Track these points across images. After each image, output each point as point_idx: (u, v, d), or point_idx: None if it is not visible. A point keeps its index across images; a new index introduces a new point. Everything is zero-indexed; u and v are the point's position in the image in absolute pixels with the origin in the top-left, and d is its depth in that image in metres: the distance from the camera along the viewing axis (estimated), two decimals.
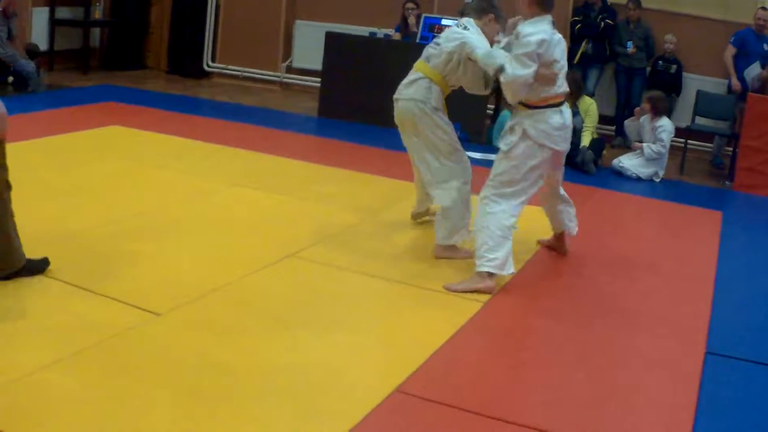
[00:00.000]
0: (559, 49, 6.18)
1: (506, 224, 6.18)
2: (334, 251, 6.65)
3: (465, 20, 6.63)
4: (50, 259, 5.49)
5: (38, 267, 5.42)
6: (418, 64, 6.78)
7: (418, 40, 12.50)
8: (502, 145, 6.30)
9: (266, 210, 7.27)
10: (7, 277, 5.22)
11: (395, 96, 6.79)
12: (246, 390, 4.30)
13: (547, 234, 7.30)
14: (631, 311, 6.09)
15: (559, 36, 6.21)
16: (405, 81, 6.79)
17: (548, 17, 6.19)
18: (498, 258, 6.06)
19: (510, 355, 5.17)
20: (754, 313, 6.39)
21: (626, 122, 11.59)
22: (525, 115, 6.19)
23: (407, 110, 6.68)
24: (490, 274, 6.05)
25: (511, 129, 6.27)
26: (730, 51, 12.23)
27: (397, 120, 6.82)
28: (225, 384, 4.33)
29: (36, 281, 5.36)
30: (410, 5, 13.16)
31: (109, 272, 5.66)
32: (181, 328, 4.97)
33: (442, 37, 6.66)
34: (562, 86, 6.24)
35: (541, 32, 6.01)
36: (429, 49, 6.75)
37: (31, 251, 5.39)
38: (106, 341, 4.67)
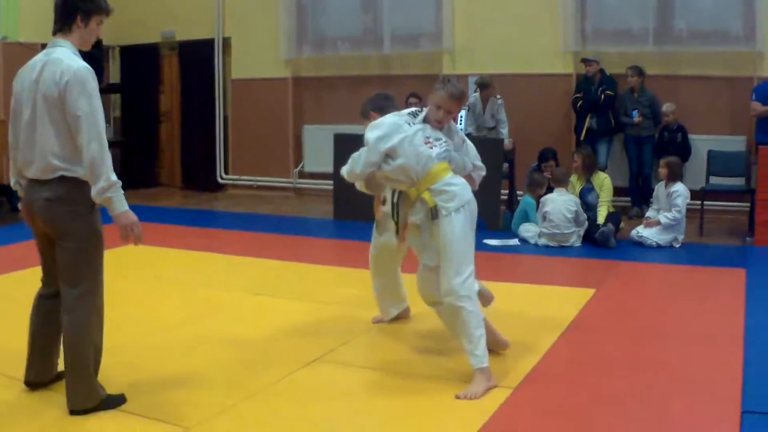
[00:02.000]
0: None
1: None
2: (362, 352, 6.68)
3: None
4: None
5: (115, 402, 5.37)
6: None
7: None
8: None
9: (290, 316, 7.27)
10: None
11: None
12: None
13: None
14: (664, 379, 6.02)
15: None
16: None
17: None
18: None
19: None
20: None
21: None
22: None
23: None
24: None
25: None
26: (757, 106, 11.91)
27: None
28: None
29: (61, 400, 5.35)
30: (413, 100, 13.25)
31: (137, 389, 5.65)
32: None
33: None
34: None
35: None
36: None
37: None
38: None
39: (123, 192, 5.07)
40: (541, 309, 7.81)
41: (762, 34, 12.64)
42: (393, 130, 5.97)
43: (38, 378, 5.48)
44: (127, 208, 5.13)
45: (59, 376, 5.48)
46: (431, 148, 6.00)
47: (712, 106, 13.07)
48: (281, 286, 7.28)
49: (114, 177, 4.98)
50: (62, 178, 4.98)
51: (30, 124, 5.01)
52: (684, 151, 12.72)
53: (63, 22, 5.10)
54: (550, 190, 11.31)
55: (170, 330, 6.96)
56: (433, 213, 5.91)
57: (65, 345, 5.13)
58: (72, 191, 5.00)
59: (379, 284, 7.18)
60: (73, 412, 5.12)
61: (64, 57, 4.98)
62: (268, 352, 6.59)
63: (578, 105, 13.14)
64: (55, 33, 5.13)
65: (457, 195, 5.96)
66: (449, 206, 5.92)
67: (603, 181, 11.45)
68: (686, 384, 5.93)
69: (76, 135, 4.91)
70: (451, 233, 5.90)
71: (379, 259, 7.08)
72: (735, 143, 12.86)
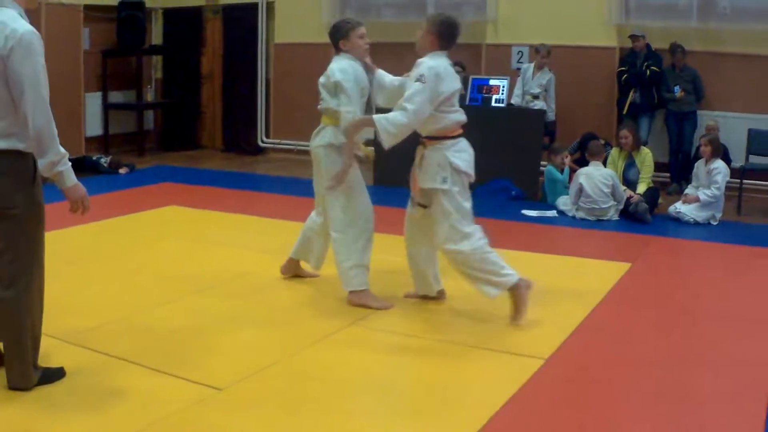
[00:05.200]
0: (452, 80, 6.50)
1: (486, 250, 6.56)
2: (399, 319, 6.71)
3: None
4: (115, 337, 5.58)
5: (55, 376, 5.23)
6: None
7: (467, 102, 12.57)
8: (438, 184, 6.47)
9: (328, 281, 7.32)
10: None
11: None
12: None
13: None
14: (697, 356, 6.07)
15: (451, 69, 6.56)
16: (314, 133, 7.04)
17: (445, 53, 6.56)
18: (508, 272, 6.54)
19: (573, 410, 5.12)
20: None
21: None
22: (445, 148, 6.51)
23: None
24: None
25: (439, 165, 6.47)
26: None
27: None
28: None
29: (98, 359, 5.51)
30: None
31: (172, 349, 5.78)
32: (241, 402, 5.01)
33: None
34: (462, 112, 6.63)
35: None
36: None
37: (94, 332, 5.50)
38: (170, 417, 4.74)
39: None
40: (576, 281, 7.84)
41: None
42: None
43: None
44: (76, 180, 4.92)
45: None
46: None
47: (753, 84, 12.96)
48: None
49: (62, 149, 4.77)
50: (3, 151, 4.72)
51: None
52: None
53: None
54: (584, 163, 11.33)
55: (205, 292, 7.02)
56: None
57: (2, 324, 4.91)
58: (14, 164, 4.75)
59: (408, 256, 7.14)
60: (14, 389, 4.98)
61: (9, 20, 4.65)
62: (301, 316, 6.68)
63: (623, 79, 13.10)
64: None
65: None
66: None
67: (645, 157, 11.39)
68: (718, 363, 5.94)
69: (19, 103, 4.65)
70: None
71: (408, 230, 7.08)
72: None
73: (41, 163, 4.75)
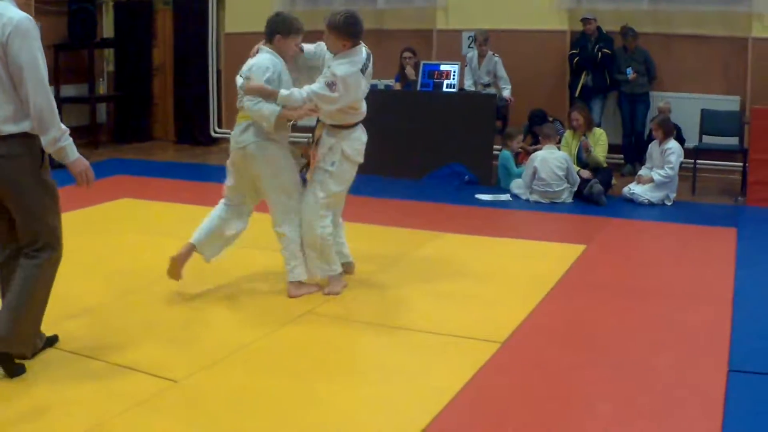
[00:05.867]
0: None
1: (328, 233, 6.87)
2: (351, 304, 6.68)
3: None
4: (70, 332, 5.58)
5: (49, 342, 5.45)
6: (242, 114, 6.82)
7: (419, 88, 12.58)
8: (327, 166, 6.81)
9: (280, 269, 7.28)
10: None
11: None
12: None
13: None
14: (652, 335, 6.07)
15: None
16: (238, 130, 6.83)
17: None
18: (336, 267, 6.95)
19: (531, 392, 5.11)
20: None
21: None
22: (341, 137, 6.79)
23: None
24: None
25: (331, 149, 6.79)
26: None
27: None
28: None
29: (56, 354, 5.43)
30: (407, 54, 13.22)
31: (128, 342, 5.70)
32: (197, 394, 4.98)
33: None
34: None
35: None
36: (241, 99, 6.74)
37: (50, 325, 5.44)
38: (127, 411, 4.69)
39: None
40: (531, 264, 7.84)
41: None
42: None
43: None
44: (78, 154, 5.13)
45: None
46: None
47: (706, 65, 13.06)
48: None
49: (63, 126, 4.97)
50: (11, 135, 4.91)
51: None
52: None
53: None
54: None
55: (158, 283, 6.95)
56: None
57: (21, 293, 5.05)
58: (22, 146, 4.95)
59: None
60: (2, 355, 5.07)
61: (4, 10, 4.85)
62: (257, 305, 6.64)
63: (575, 62, 13.12)
64: None
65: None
66: None
67: (599, 137, 11.41)
68: (675, 341, 5.96)
69: (20, 86, 4.85)
70: None
71: None
72: (729, 103, 12.85)
73: (44, 141, 4.94)
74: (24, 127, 4.92)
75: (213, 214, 6.95)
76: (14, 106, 4.90)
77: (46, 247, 5.10)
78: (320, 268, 6.92)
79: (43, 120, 4.87)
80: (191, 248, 6.86)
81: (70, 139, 5.02)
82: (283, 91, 6.43)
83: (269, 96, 6.45)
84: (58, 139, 4.94)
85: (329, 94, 6.45)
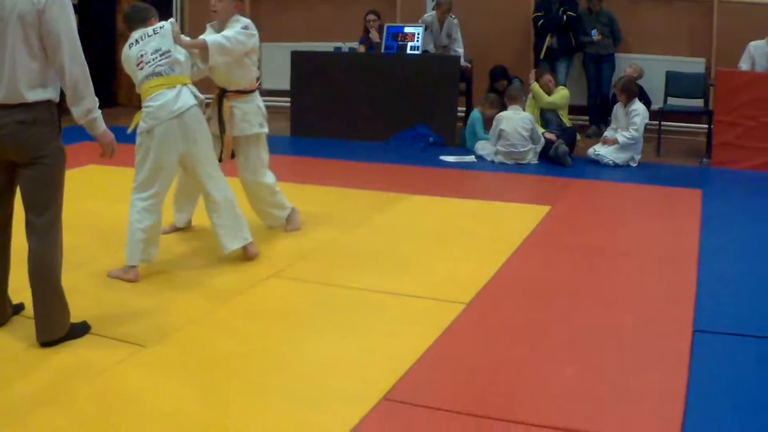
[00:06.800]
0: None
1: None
2: (315, 268, 6.64)
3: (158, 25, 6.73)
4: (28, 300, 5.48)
5: (81, 330, 5.26)
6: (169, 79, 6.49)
7: (383, 50, 12.54)
8: (258, 129, 7.23)
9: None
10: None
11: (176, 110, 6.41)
12: (232, 417, 4.27)
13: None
14: (617, 296, 6.09)
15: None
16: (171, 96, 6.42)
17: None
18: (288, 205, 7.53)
19: (496, 354, 5.09)
20: (739, 287, 6.36)
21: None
22: (253, 99, 7.25)
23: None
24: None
25: (255, 113, 7.22)
26: None
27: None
28: (207, 414, 4.30)
29: (22, 322, 5.34)
30: (371, 17, 13.16)
31: (98, 308, 5.62)
32: (165, 359, 4.93)
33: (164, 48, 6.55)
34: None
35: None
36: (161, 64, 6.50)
37: (18, 294, 5.37)
38: (98, 376, 4.65)
39: None
40: (495, 225, 7.84)
41: None
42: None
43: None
44: (105, 126, 5.11)
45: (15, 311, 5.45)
46: (141, 68, 6.48)
47: (671, 27, 13.11)
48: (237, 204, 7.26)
49: (95, 97, 4.97)
50: (36, 102, 4.81)
51: None
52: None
53: None
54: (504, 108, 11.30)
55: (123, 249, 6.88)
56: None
57: (36, 273, 4.97)
58: (46, 113, 4.86)
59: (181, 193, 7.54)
60: (46, 343, 5.00)
61: None
62: (223, 269, 6.57)
63: (539, 24, 13.06)
64: None
65: (148, 114, 6.46)
66: (141, 125, 6.50)
67: (560, 91, 11.46)
68: (639, 302, 5.97)
69: (54, 55, 4.81)
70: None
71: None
72: (694, 65, 12.90)
73: (77, 111, 4.92)
74: (50, 93, 4.88)
75: (135, 225, 6.38)
76: (42, 73, 4.83)
77: (55, 216, 5.02)
78: (279, 216, 7.51)
79: (78, 90, 4.87)
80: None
81: (100, 111, 5.02)
82: (208, 39, 6.78)
83: (202, 47, 6.74)
84: (91, 110, 4.95)
85: (244, 34, 6.89)
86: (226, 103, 7.07)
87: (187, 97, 6.37)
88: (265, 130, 7.31)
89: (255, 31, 7.02)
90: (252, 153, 7.25)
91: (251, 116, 7.17)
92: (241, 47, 6.89)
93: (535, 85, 11.48)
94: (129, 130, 6.56)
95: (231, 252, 6.66)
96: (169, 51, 6.45)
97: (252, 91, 7.23)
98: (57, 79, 4.90)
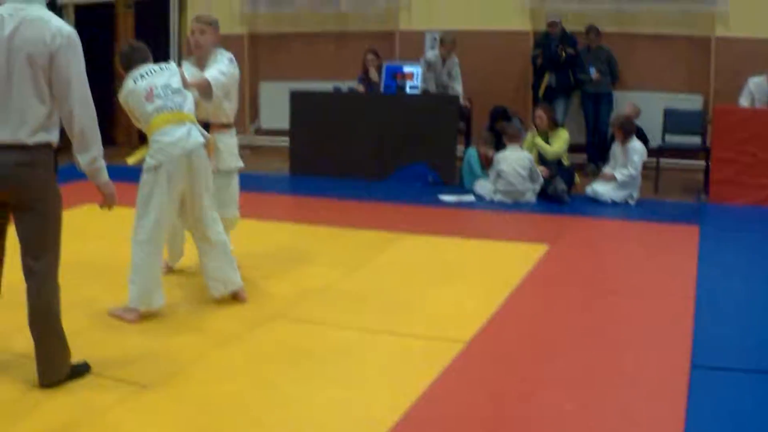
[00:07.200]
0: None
1: None
2: (316, 309, 6.64)
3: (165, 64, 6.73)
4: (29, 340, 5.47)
5: (82, 371, 5.22)
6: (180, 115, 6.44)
7: (382, 90, 12.59)
8: (237, 163, 7.37)
9: (247, 272, 7.23)
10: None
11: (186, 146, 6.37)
12: None
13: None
14: (615, 333, 6.12)
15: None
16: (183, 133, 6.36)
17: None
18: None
19: (496, 391, 5.10)
20: (737, 323, 6.38)
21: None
22: (232, 134, 7.34)
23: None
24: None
25: (235, 147, 7.35)
26: None
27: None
28: None
29: (21, 362, 5.28)
30: (370, 56, 13.20)
31: (99, 349, 5.61)
32: (167, 400, 4.92)
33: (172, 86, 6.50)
34: None
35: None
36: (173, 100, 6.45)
37: (17, 334, 5.39)
38: (97, 416, 4.64)
39: None
40: (495, 264, 7.86)
41: None
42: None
43: None
44: (108, 177, 5.11)
45: None
46: (151, 101, 6.39)
47: (669, 64, 13.16)
48: (238, 244, 7.22)
49: (101, 146, 4.97)
50: (40, 144, 4.76)
51: (5, 85, 4.72)
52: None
53: None
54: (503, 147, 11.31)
55: (123, 289, 6.87)
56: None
57: (37, 317, 4.91)
58: (45, 155, 4.82)
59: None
60: (46, 384, 4.96)
61: (48, 16, 4.81)
62: (225, 310, 6.58)
63: (538, 62, 13.12)
64: None
65: (159, 150, 6.35)
66: (149, 161, 6.39)
67: (560, 134, 11.47)
68: (637, 339, 5.99)
69: (63, 101, 4.80)
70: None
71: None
72: (692, 102, 12.94)
73: (83, 158, 4.92)
74: (51, 136, 4.84)
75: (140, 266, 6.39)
76: (46, 116, 4.79)
77: (54, 259, 4.99)
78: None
79: (85, 137, 4.87)
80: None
81: (104, 160, 5.01)
82: (208, 77, 6.78)
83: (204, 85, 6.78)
84: (97, 158, 4.95)
85: (232, 67, 6.98)
86: (212, 137, 6.93)
87: (197, 135, 6.39)
88: (242, 164, 7.43)
89: (235, 61, 7.10)
90: (229, 186, 7.28)
91: (234, 149, 7.32)
92: (233, 80, 7.01)
93: (539, 139, 11.46)
94: (129, 162, 6.55)
95: (222, 295, 6.67)
96: (180, 89, 6.47)
97: (232, 125, 7.32)
98: (59, 123, 4.88)
